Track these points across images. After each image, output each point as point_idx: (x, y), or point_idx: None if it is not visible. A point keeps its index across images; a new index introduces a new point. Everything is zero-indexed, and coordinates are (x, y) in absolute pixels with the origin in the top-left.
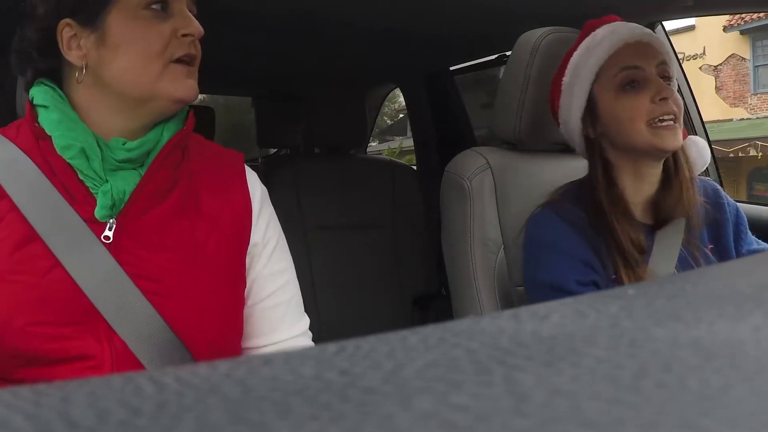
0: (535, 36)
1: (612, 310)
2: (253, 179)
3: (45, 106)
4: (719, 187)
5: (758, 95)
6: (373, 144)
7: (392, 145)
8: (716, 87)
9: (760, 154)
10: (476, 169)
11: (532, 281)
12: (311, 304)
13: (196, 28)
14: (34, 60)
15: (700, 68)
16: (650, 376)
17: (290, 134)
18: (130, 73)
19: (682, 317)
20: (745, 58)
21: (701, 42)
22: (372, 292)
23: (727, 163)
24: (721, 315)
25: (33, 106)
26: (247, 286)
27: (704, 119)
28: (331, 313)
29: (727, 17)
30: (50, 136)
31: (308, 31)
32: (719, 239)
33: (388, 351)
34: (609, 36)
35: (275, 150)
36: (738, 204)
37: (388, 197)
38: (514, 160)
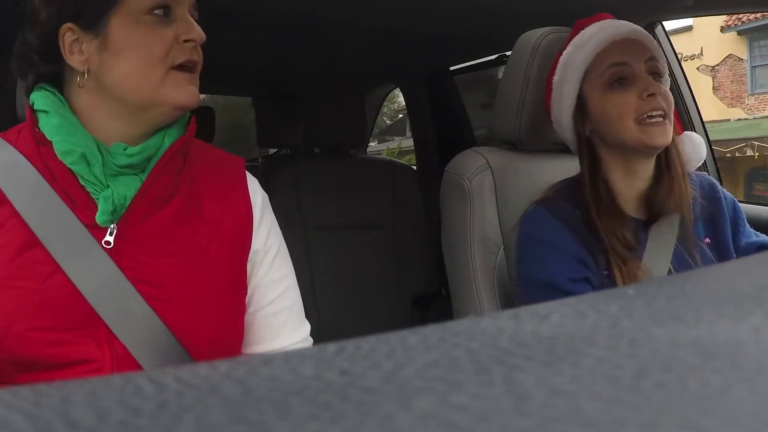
0: (535, 36)
1: (612, 310)
2: (254, 186)
3: (45, 111)
4: (716, 181)
5: (755, 95)
6: (372, 144)
7: (391, 145)
8: (714, 87)
9: (757, 154)
10: (476, 169)
11: (525, 278)
12: (311, 304)
13: (198, 33)
14: (36, 64)
15: (697, 68)
16: (650, 376)
17: (290, 134)
18: (132, 78)
19: (682, 317)
20: (742, 59)
21: (699, 42)
22: (372, 292)
23: (724, 163)
24: (721, 315)
25: (33, 111)
26: (248, 293)
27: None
28: (331, 313)
29: (724, 18)
30: (51, 141)
31: (308, 31)
32: (716, 234)
33: (388, 351)
34: (596, 35)
35: (275, 150)
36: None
37: (388, 197)
38: (514, 160)
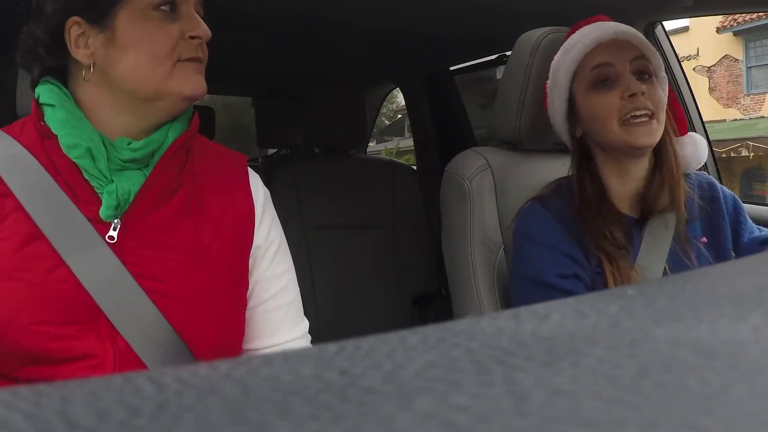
0: (535, 36)
1: (612, 310)
2: (256, 182)
3: (51, 105)
4: (715, 180)
5: (751, 96)
6: (371, 144)
7: (390, 145)
8: (710, 88)
9: (752, 154)
10: (476, 169)
11: (517, 273)
12: (311, 304)
13: (204, 30)
14: (41, 57)
15: (693, 69)
16: (650, 376)
17: (290, 134)
18: (138, 72)
19: (682, 317)
20: (738, 59)
21: (695, 43)
22: (372, 291)
23: (720, 163)
24: (721, 315)
25: (39, 105)
26: (249, 288)
27: None
28: (330, 313)
29: (720, 19)
30: (56, 135)
31: (308, 31)
32: (713, 233)
33: (387, 351)
34: (583, 38)
35: (275, 150)
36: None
37: (387, 197)
38: (514, 160)
